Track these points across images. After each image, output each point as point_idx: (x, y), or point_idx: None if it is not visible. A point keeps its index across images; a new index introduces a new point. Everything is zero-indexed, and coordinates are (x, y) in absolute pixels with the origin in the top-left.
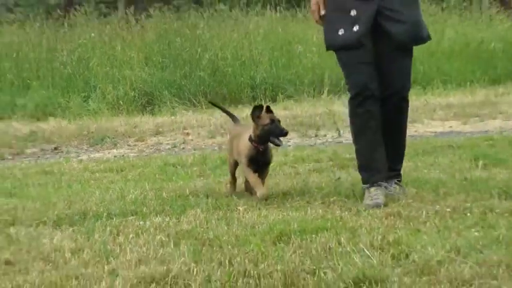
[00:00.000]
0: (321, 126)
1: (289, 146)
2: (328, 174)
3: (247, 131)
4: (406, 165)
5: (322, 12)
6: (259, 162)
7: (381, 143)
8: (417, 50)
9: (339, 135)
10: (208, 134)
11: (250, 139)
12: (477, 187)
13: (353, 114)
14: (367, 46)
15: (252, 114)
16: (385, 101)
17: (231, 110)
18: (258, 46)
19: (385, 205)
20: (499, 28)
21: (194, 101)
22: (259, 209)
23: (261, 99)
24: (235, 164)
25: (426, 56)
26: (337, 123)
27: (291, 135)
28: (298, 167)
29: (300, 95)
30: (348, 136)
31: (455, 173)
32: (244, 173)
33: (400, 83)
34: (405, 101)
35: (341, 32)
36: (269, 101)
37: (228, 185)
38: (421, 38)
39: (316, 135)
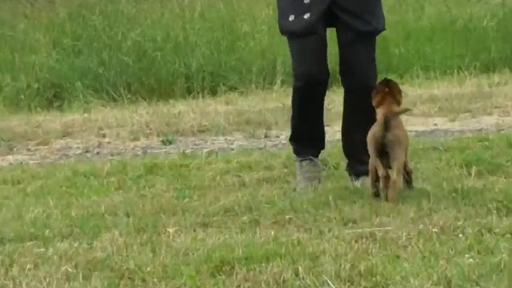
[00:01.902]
0: (272, 125)
1: (233, 149)
2: (282, 184)
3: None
4: None
5: None
6: None
7: (322, 119)
8: (390, 30)
9: None
10: (130, 135)
11: None
12: (470, 200)
13: (299, 105)
14: (318, 35)
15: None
16: (350, 92)
17: (161, 104)
18: (194, 25)
19: (354, 222)
20: (491, 1)
21: (114, 94)
22: (194, 230)
23: (197, 92)
24: None
25: (402, 37)
26: None
27: (234, 136)
28: (244, 176)
29: (247, 86)
30: None
31: (443, 182)
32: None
33: (364, 70)
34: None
35: (291, 18)
36: (208, 93)
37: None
38: (376, 28)
39: (266, 136)
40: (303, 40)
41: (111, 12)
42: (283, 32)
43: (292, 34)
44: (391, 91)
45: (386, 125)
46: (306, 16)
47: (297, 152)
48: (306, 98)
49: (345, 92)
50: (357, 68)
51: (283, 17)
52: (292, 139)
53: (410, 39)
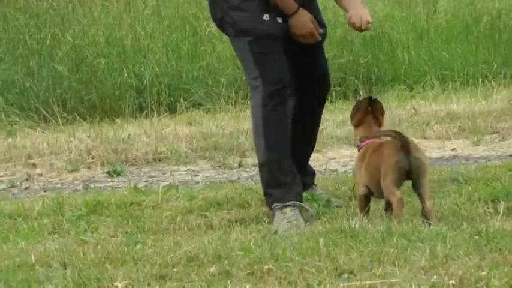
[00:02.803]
0: (247, 151)
1: (197, 182)
2: (259, 227)
3: None
4: None
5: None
6: None
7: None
8: (397, 30)
9: None
10: (67, 166)
11: None
12: (497, 245)
13: (268, 119)
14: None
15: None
16: (308, 96)
17: (106, 126)
18: (146, 24)
19: (351, 273)
20: None
21: (45, 112)
22: (148, 284)
23: (152, 109)
24: None
25: (413, 38)
26: None
27: (200, 165)
28: (212, 217)
29: (215, 102)
30: None
31: (463, 222)
32: None
33: (328, 75)
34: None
35: (266, 17)
36: (165, 111)
37: None
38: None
39: (240, 165)
40: (277, 43)
41: (39, 9)
42: (255, 33)
43: (268, 36)
44: (374, 110)
45: (408, 148)
46: (280, 20)
47: (277, 199)
48: (283, 103)
49: (307, 103)
50: (326, 74)
51: (253, 16)
52: (268, 184)
53: (422, 41)
